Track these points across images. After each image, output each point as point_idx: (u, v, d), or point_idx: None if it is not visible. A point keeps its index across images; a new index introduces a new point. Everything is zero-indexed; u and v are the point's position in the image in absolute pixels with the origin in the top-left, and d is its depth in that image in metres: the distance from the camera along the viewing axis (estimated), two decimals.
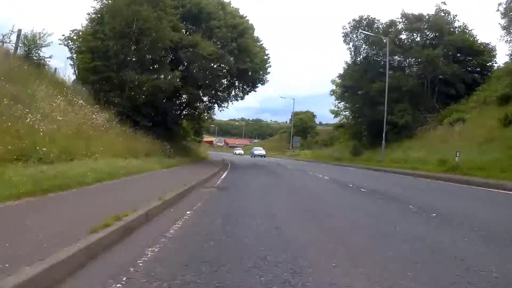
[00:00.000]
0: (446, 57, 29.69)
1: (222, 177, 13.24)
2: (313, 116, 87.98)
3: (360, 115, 28.25)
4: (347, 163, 24.23)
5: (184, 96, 22.22)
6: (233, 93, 24.94)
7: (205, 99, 24.05)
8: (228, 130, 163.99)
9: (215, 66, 20.05)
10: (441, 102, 29.05)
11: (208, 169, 15.11)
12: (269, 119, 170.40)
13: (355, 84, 29.57)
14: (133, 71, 15.62)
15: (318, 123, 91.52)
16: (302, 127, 79.74)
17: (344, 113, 40.12)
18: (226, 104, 25.75)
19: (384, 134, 23.01)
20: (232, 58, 19.45)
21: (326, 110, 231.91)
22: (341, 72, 33.63)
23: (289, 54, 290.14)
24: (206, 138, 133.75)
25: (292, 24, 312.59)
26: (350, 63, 32.05)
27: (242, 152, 64.78)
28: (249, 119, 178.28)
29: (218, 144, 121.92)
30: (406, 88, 28.29)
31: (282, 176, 14.78)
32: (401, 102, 27.35)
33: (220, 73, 20.61)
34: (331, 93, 40.50)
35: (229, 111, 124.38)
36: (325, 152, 35.48)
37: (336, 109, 40.21)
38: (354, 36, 31.58)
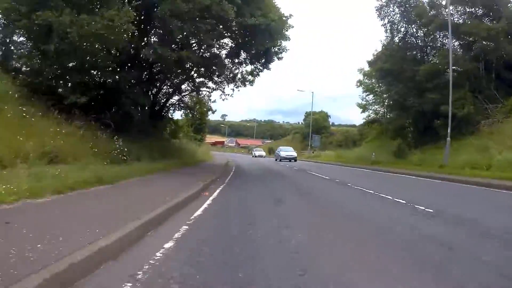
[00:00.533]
0: (509, 34, 23.19)
1: (211, 198, 7.43)
2: (327, 116, 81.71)
3: (403, 106, 21.87)
4: (393, 168, 17.99)
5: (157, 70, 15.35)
6: (237, 70, 17.91)
7: (195, 75, 16.88)
8: (240, 131, 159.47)
9: (202, 17, 11.81)
10: (503, 91, 22.53)
11: (193, 180, 9.31)
12: (281, 121, 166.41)
13: (395, 68, 23.22)
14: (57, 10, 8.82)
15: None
16: (316, 127, 73.40)
17: (373, 107, 33.89)
18: (231, 87, 18.52)
19: (449, 129, 16.72)
20: (232, 7, 11.13)
21: (339, 111, 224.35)
22: (370, 58, 27.39)
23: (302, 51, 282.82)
24: (217, 138, 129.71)
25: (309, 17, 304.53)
26: (386, 43, 25.73)
27: (263, 153, 49.75)
28: (261, 120, 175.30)
29: (230, 144, 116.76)
30: (461, 70, 21.97)
31: (323, 198, 8.48)
32: (458, 87, 20.94)
33: (212, 29, 11.76)
34: (358, 84, 34.30)
35: (241, 112, 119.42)
36: (352, 154, 29.27)
37: (363, 102, 33.94)
38: (390, 9, 25.30)
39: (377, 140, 31.13)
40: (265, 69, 16.97)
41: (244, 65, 17.43)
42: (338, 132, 75.57)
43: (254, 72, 17.62)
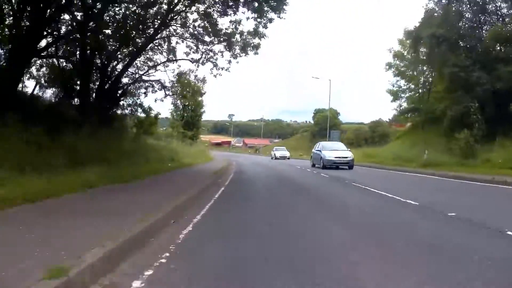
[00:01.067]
0: None
1: None
2: (337, 113, 75.07)
3: (467, 84, 15.57)
4: (472, 174, 11.86)
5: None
6: (234, 29, 12.02)
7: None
8: (247, 130, 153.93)
9: None
10: None
11: (122, 217, 3.57)
12: (288, 120, 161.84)
13: (449, 34, 16.94)
14: None
15: None
16: (325, 125, 67.34)
17: (404, 95, 27.72)
18: (226, 58, 12.85)
19: None
20: None
21: (346, 109, 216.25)
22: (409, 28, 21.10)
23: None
24: (223, 138, 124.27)
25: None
26: (432, 4, 19.32)
27: (287, 154, 37.72)
28: (268, 119, 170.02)
29: (237, 144, 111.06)
30: None
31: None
32: None
33: None
34: (387, 67, 28.12)
35: (249, 112, 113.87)
36: (384, 152, 23.11)
37: (395, 88, 27.75)
38: None
39: (413, 135, 24.95)
40: (276, 17, 10.79)
41: (242, 23, 11.33)
42: (349, 129, 69.33)
43: (259, 30, 11.50)
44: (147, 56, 13.14)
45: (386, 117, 78.87)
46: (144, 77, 13.01)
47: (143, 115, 14.22)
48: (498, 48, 15.79)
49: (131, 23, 9.90)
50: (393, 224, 4.85)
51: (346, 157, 17.66)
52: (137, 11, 10.51)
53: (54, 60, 11.31)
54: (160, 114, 17.93)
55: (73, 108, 10.78)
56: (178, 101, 18.39)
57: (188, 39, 11.99)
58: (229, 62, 12.66)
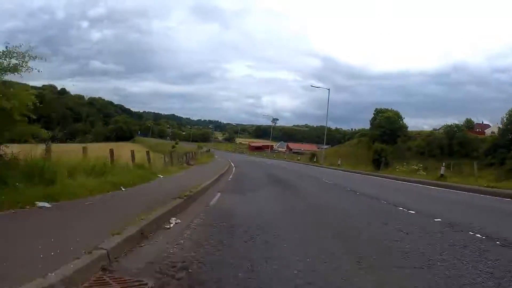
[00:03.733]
0: None
1: None
2: (400, 116, 60.78)
3: None
4: None
5: None
6: None
7: None
8: (292, 134, 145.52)
9: None
10: None
11: None
12: (332, 127, 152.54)
13: None
14: None
15: None
16: (389, 129, 55.44)
17: None
18: None
19: None
20: None
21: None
22: None
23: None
24: (264, 142, 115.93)
25: None
26: None
27: None
28: (312, 125, 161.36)
29: (279, 149, 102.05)
30: None
31: None
32: None
33: None
34: None
35: (292, 117, 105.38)
36: None
37: None
38: None
39: None
40: None
41: None
42: (420, 135, 57.14)
43: None
44: None
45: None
46: None
47: None
48: None
49: None
50: None
51: None
52: None
53: None
54: None
55: None
56: None
57: None
58: None
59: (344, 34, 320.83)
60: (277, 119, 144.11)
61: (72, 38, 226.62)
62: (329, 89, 43.87)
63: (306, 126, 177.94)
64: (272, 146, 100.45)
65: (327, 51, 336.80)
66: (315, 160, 48.55)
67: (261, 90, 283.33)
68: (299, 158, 59.17)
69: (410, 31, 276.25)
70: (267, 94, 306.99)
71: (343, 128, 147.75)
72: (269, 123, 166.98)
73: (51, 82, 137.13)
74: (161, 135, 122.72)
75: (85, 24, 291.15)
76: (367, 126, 63.73)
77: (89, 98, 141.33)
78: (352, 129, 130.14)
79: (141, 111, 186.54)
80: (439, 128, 60.89)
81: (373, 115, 60.27)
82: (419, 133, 59.30)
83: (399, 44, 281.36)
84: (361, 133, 67.92)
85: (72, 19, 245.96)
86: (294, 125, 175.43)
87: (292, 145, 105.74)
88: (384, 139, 52.83)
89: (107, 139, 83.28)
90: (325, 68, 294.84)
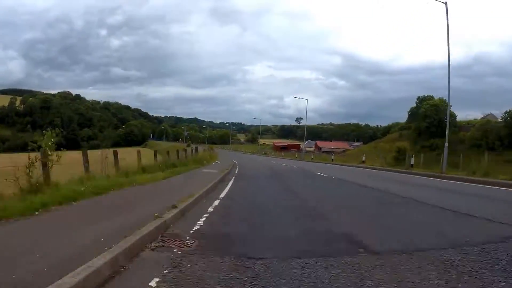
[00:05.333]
0: None
1: None
2: (446, 104, 53.04)
3: None
4: None
5: None
6: None
7: None
8: (317, 133, 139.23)
9: None
10: None
11: None
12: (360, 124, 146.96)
13: None
14: None
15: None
16: (437, 118, 48.34)
17: None
18: None
19: None
20: None
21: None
22: None
23: None
24: (289, 142, 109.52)
25: None
26: None
27: None
28: (337, 123, 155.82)
29: (307, 148, 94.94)
30: None
31: None
32: None
33: None
34: None
35: (315, 116, 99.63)
36: None
37: None
38: None
39: None
40: None
41: None
42: (476, 124, 49.40)
43: None
44: None
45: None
46: None
47: None
48: None
49: None
50: None
51: None
52: None
53: None
54: None
55: None
56: None
57: None
58: None
59: (365, 31, 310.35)
60: (301, 118, 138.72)
61: (91, 46, 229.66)
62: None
63: (331, 124, 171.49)
64: (299, 145, 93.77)
65: (348, 48, 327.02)
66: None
67: (283, 90, 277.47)
68: (332, 158, 48.00)
69: (432, 24, 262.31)
70: (288, 94, 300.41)
71: (370, 125, 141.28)
72: (294, 122, 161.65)
73: (71, 90, 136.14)
74: (177, 138, 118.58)
75: (103, 32, 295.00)
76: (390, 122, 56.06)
77: (103, 103, 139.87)
78: (377, 126, 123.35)
79: (163, 116, 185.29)
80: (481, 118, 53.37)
81: (415, 104, 53.11)
82: (468, 123, 51.87)
83: (422, 38, 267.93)
84: (401, 127, 60.72)
85: (91, 27, 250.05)
86: (318, 124, 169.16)
87: (320, 144, 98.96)
88: (432, 132, 45.87)
89: (115, 144, 79.41)
90: (346, 66, 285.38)
